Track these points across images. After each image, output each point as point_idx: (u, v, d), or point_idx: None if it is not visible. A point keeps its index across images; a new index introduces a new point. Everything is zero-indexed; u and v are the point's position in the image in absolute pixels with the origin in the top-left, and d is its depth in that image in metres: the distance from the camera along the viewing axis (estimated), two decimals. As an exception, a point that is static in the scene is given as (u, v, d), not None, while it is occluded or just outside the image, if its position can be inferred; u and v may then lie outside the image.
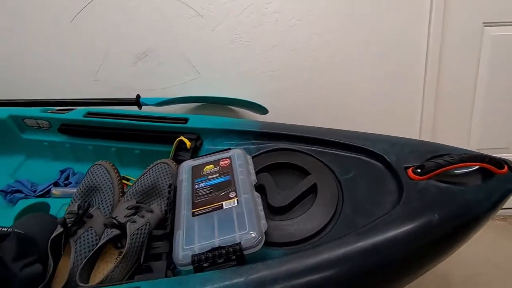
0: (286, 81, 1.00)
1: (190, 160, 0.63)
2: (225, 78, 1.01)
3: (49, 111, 0.79)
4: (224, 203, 0.52)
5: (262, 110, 0.92)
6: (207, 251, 0.44)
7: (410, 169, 0.55)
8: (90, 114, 0.76)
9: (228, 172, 0.57)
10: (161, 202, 0.59)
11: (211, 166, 0.60)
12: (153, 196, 0.59)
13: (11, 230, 0.50)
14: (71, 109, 0.81)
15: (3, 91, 0.95)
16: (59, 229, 0.53)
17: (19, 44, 0.96)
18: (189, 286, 0.41)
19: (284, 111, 1.00)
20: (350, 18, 0.95)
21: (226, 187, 0.54)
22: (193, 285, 0.41)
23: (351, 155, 0.63)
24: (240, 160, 0.60)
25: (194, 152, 0.70)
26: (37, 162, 0.81)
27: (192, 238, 0.47)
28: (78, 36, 0.98)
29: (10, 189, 0.68)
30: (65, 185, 0.71)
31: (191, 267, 0.44)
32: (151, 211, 0.56)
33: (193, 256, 0.44)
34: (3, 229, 0.50)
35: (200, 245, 0.46)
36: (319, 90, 1.01)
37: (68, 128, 0.76)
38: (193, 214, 0.51)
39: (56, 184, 0.71)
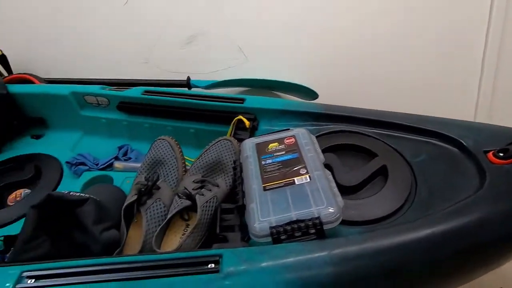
0: (337, 66, 0.98)
1: (252, 138, 0.63)
2: (273, 63, 1.00)
3: (107, 89, 0.81)
4: (295, 179, 0.51)
5: (312, 94, 0.90)
6: (285, 224, 0.44)
7: (491, 153, 0.52)
8: (148, 92, 0.77)
9: (295, 150, 0.57)
10: (225, 177, 0.59)
11: (276, 144, 0.60)
12: (217, 171, 0.59)
13: (88, 196, 0.51)
14: (125, 88, 0.82)
15: (65, 70, 0.99)
16: (131, 198, 0.55)
17: (78, 25, 0.99)
18: (271, 255, 0.40)
19: (333, 97, 0.98)
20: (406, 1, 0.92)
21: (295, 164, 0.54)
22: (275, 255, 0.40)
23: (421, 139, 0.60)
24: (305, 139, 0.59)
25: (252, 132, 0.70)
26: (93, 138, 0.84)
27: (267, 211, 0.47)
28: (131, 19, 1.00)
29: (75, 161, 0.70)
30: (126, 160, 0.72)
31: (269, 238, 0.44)
32: (217, 186, 0.57)
33: (271, 228, 0.44)
34: (81, 195, 0.52)
35: (276, 217, 0.45)
36: (372, 76, 0.98)
37: (126, 106, 0.78)
38: (264, 189, 0.50)
39: (117, 158, 0.72)
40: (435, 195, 0.51)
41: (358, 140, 0.62)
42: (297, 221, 0.44)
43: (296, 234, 0.44)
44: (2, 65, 0.92)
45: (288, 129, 0.65)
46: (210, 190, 0.55)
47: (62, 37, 1.00)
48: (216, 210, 0.54)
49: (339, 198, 0.48)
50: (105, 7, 0.98)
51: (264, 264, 0.40)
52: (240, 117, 0.70)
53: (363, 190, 0.55)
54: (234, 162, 0.60)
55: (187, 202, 0.53)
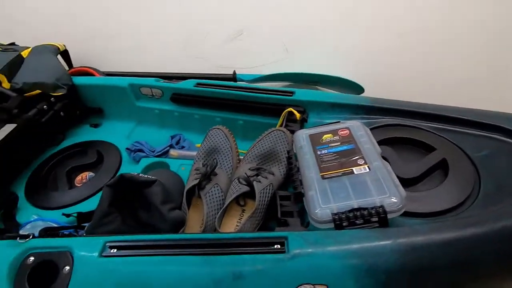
0: (383, 60, 0.96)
1: (304, 130, 0.64)
2: (316, 58, 1.00)
3: (161, 82, 0.85)
4: (354, 169, 0.51)
5: (358, 88, 0.90)
6: (348, 211, 0.45)
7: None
8: (199, 84, 0.81)
9: (351, 141, 0.57)
10: (279, 166, 0.61)
11: (330, 135, 0.60)
12: (271, 160, 0.61)
13: (155, 178, 0.55)
14: (178, 81, 0.86)
15: (123, 64, 1.06)
16: (192, 183, 0.58)
17: (134, 21, 1.06)
18: (336, 240, 0.41)
19: (378, 92, 0.96)
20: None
21: (352, 155, 0.54)
22: (340, 240, 0.41)
23: (482, 133, 0.58)
24: (360, 130, 0.59)
25: (301, 124, 0.71)
26: (146, 128, 0.89)
27: (327, 199, 0.48)
28: (182, 16, 1.05)
29: (134, 148, 0.75)
30: (180, 148, 0.76)
31: (330, 225, 0.45)
32: (273, 174, 0.58)
33: (333, 214, 0.45)
34: (148, 177, 0.56)
35: (337, 205, 0.46)
36: (420, 69, 0.95)
37: (179, 97, 0.82)
38: (323, 177, 0.51)
39: (171, 146, 0.76)
40: (503, 190, 0.49)
41: (414, 133, 0.61)
42: (360, 209, 0.45)
43: (358, 222, 0.44)
44: (64, 59, 0.99)
45: (339, 121, 0.65)
46: (266, 178, 0.57)
47: (119, 32, 1.07)
48: (272, 197, 0.56)
49: (401, 188, 0.47)
50: (159, 4, 1.03)
51: (330, 248, 0.41)
52: (291, 109, 0.71)
53: (422, 183, 0.54)
54: (288, 152, 0.61)
55: (246, 188, 0.55)
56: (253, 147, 0.64)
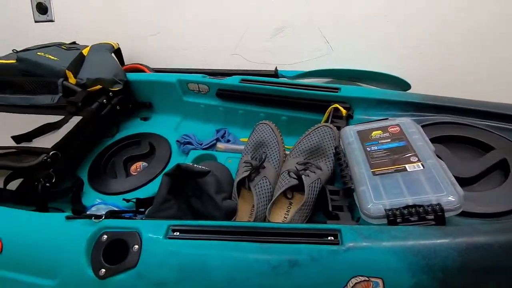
0: (430, 55, 0.93)
1: (352, 126, 0.64)
2: (359, 54, 0.99)
3: (208, 77, 0.89)
4: (406, 166, 0.51)
5: (404, 85, 0.87)
6: (402, 208, 0.45)
7: None
8: (244, 80, 0.83)
9: (402, 138, 0.57)
10: (326, 161, 0.62)
11: (379, 131, 0.60)
12: (318, 155, 0.62)
13: (209, 169, 0.59)
14: (224, 77, 0.89)
15: (171, 60, 1.12)
16: (242, 174, 0.61)
17: (180, 20, 1.11)
18: (391, 235, 0.42)
19: (426, 89, 0.93)
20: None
21: (404, 152, 0.54)
22: (396, 236, 0.42)
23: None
24: (411, 128, 0.58)
25: (347, 120, 0.71)
26: (192, 122, 0.93)
27: (379, 195, 0.48)
28: (223, 16, 1.08)
29: (183, 141, 0.79)
30: (226, 142, 0.79)
31: (383, 220, 0.45)
32: (320, 169, 0.59)
33: (386, 210, 0.45)
34: (202, 167, 0.59)
35: (390, 201, 0.46)
36: (470, 65, 0.91)
37: (224, 93, 0.85)
38: (374, 174, 0.52)
39: (218, 140, 0.80)
40: None
41: (469, 132, 0.59)
42: (414, 206, 0.45)
43: (412, 219, 0.44)
44: (117, 57, 1.07)
45: (387, 118, 0.65)
46: (314, 172, 0.58)
47: (167, 31, 1.13)
48: (320, 191, 0.57)
49: (458, 187, 0.46)
50: (203, 3, 1.07)
51: (385, 243, 0.41)
52: (337, 105, 0.71)
53: (479, 183, 0.52)
54: (336, 148, 0.62)
55: (295, 181, 0.57)
56: (299, 142, 0.65)
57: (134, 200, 0.66)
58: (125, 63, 1.09)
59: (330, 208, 0.50)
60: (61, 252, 0.49)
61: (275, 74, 0.96)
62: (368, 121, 0.67)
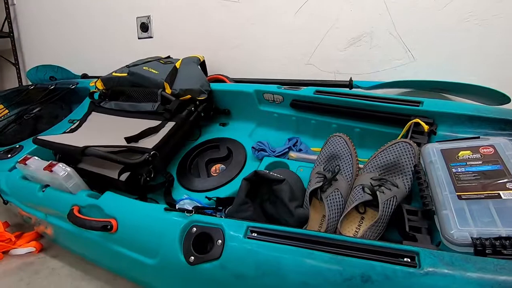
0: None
1: (435, 143, 0.61)
2: (446, 64, 0.92)
3: (282, 88, 0.94)
4: (501, 192, 0.47)
5: (502, 99, 0.78)
6: (493, 238, 0.42)
7: None
8: (318, 92, 0.86)
9: (497, 161, 0.52)
10: (403, 179, 0.60)
11: (468, 152, 0.56)
12: (395, 172, 0.61)
13: (284, 177, 0.63)
14: (298, 88, 0.93)
15: (248, 71, 1.22)
16: (315, 185, 0.63)
17: (257, 33, 1.19)
18: (479, 267, 0.39)
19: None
20: None
21: (498, 177, 0.49)
22: (484, 268, 0.39)
23: None
24: (509, 150, 0.53)
25: (429, 137, 0.68)
26: (265, 129, 1.00)
27: (466, 221, 0.45)
28: (300, 27, 1.12)
29: (258, 147, 0.86)
30: (298, 151, 0.83)
31: (469, 249, 0.43)
32: (397, 186, 0.58)
33: (474, 239, 0.43)
34: (277, 175, 0.64)
35: (478, 229, 0.43)
36: None
37: (298, 103, 0.89)
38: (460, 197, 0.49)
39: (290, 149, 0.84)
40: None
41: None
42: (509, 238, 0.41)
43: (506, 252, 0.41)
44: (202, 68, 1.20)
45: (478, 137, 0.59)
46: (390, 190, 0.57)
47: (245, 44, 1.22)
48: (396, 209, 0.56)
49: None
50: (279, 17, 1.13)
51: (471, 274, 0.39)
52: (418, 120, 0.68)
53: None
54: (415, 166, 0.60)
55: (369, 197, 0.57)
56: (375, 157, 0.64)
57: (215, 198, 0.75)
58: (208, 74, 1.22)
59: (407, 229, 0.49)
60: (160, 237, 0.59)
61: (350, 84, 0.95)
62: (454, 138, 0.63)
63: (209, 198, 0.75)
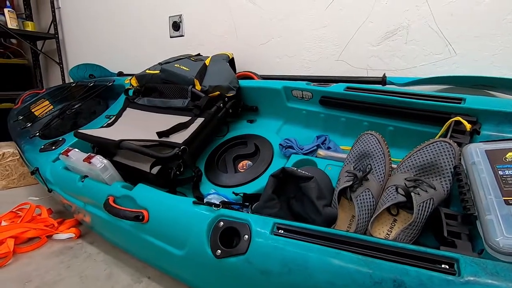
0: None
1: (479, 144, 0.56)
2: (491, 58, 0.84)
3: (311, 85, 0.92)
4: (557, 199, 0.42)
5: (558, 96, 0.70)
6: (547, 249, 0.38)
7: None
8: (350, 88, 0.83)
9: (552, 164, 0.47)
10: (442, 181, 0.56)
11: (517, 153, 0.51)
12: (432, 173, 0.57)
13: (312, 175, 0.62)
14: (327, 84, 0.91)
15: (276, 68, 1.21)
16: (344, 184, 0.61)
17: (285, 30, 1.18)
18: (528, 279, 0.36)
19: None
20: None
21: (553, 181, 0.45)
22: (534, 280, 0.36)
23: None
24: None
25: (471, 136, 0.63)
26: (292, 126, 0.98)
27: (513, 228, 0.42)
28: (330, 22, 1.09)
29: (285, 144, 0.85)
30: (327, 149, 0.81)
31: (517, 259, 0.39)
32: (434, 188, 0.55)
33: (522, 247, 0.39)
34: (305, 173, 0.63)
35: (529, 238, 0.40)
36: None
37: (328, 100, 0.87)
38: (507, 202, 0.45)
39: (318, 146, 0.82)
40: None
41: None
42: None
43: (562, 265, 0.37)
44: (230, 65, 1.21)
45: (529, 137, 0.54)
46: (426, 191, 0.54)
47: (274, 40, 1.22)
48: (433, 212, 0.53)
49: None
50: (308, 12, 1.11)
51: (518, 285, 0.36)
52: (459, 118, 0.63)
53: None
54: (455, 167, 0.56)
55: (402, 198, 0.54)
56: (410, 156, 0.61)
57: (242, 194, 0.75)
58: (237, 71, 1.23)
59: (445, 234, 0.46)
60: (188, 229, 0.60)
61: (383, 81, 0.91)
62: (501, 139, 0.58)
63: (236, 194, 0.76)
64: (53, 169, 0.97)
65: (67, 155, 0.87)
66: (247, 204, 0.74)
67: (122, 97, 1.25)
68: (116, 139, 0.81)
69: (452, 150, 0.58)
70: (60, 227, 1.01)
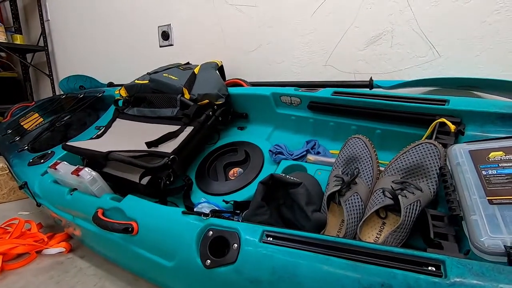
0: None
1: (462, 144, 0.57)
2: (475, 59, 0.86)
3: (299, 90, 0.93)
4: (539, 197, 0.43)
5: (540, 95, 0.72)
6: (530, 247, 0.38)
7: None
8: (337, 93, 0.84)
9: (533, 163, 0.48)
10: (428, 182, 0.56)
11: (501, 153, 0.52)
12: (418, 175, 0.58)
13: (301, 181, 0.62)
14: (315, 90, 0.92)
15: (265, 74, 1.22)
16: (333, 188, 0.61)
17: (273, 37, 1.19)
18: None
19: None
20: None
21: (535, 180, 0.45)
22: (518, 279, 0.36)
23: None
24: (548, 150, 0.48)
25: (456, 137, 0.64)
26: (283, 132, 0.99)
27: (498, 227, 0.42)
28: (317, 27, 1.10)
29: (275, 150, 0.85)
30: (316, 154, 0.81)
31: (502, 258, 0.39)
32: (421, 190, 0.55)
33: (506, 247, 0.39)
34: (294, 179, 0.63)
35: (512, 237, 0.40)
36: None
37: (316, 105, 0.87)
38: (491, 202, 0.45)
39: (308, 151, 0.83)
40: None
41: None
42: (549, 248, 0.38)
43: (545, 263, 0.37)
44: (220, 73, 1.22)
45: (511, 137, 0.55)
46: (413, 193, 0.54)
47: (261, 47, 1.23)
48: (420, 214, 0.53)
49: None
50: (295, 18, 1.12)
51: (504, 286, 0.36)
52: (443, 119, 0.64)
53: None
54: (440, 168, 0.56)
55: (390, 201, 0.54)
56: (396, 159, 0.61)
57: (232, 202, 0.75)
58: (227, 78, 1.23)
59: (432, 235, 0.46)
60: (178, 240, 0.59)
61: (370, 84, 0.92)
62: (485, 139, 0.58)
63: (227, 202, 0.75)
64: (42, 182, 0.96)
65: (55, 168, 0.86)
66: (238, 211, 0.73)
67: (112, 108, 1.25)
68: (104, 151, 0.80)
69: (437, 151, 0.58)
70: (50, 241, 0.99)
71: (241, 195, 0.81)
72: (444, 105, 0.67)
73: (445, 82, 0.84)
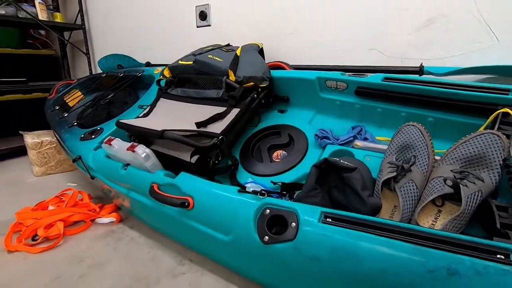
0: None
1: (529, 136, 0.56)
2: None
3: (346, 75, 0.92)
4: None
5: None
6: None
7: None
8: (387, 79, 0.82)
9: None
10: (490, 173, 0.56)
11: None
12: (479, 165, 0.57)
13: (356, 166, 0.63)
14: (363, 75, 0.90)
15: (305, 58, 1.21)
16: (388, 175, 0.62)
17: (317, 19, 1.16)
18: None
19: None
20: None
21: None
22: None
23: None
24: None
25: (520, 128, 0.62)
26: (325, 117, 0.99)
27: None
28: (363, 10, 1.06)
29: (321, 135, 0.86)
30: (364, 140, 0.82)
31: None
32: (482, 180, 0.55)
33: None
34: (349, 164, 0.64)
35: None
36: None
37: (364, 91, 0.86)
38: None
39: (355, 137, 0.83)
40: None
41: None
42: None
43: None
44: (260, 55, 1.21)
45: None
46: (474, 183, 0.54)
47: (303, 29, 1.21)
48: (481, 204, 0.53)
49: None
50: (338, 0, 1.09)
51: None
52: (507, 110, 0.62)
53: None
54: (504, 159, 0.55)
55: (449, 189, 0.55)
56: (455, 148, 0.61)
57: (280, 183, 0.78)
58: (266, 61, 1.23)
59: (498, 225, 0.47)
60: (234, 216, 0.63)
61: (420, 70, 0.90)
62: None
63: (275, 183, 0.78)
64: (95, 157, 1.02)
65: (110, 144, 0.92)
66: (285, 193, 0.76)
67: (153, 88, 1.28)
68: (158, 129, 0.84)
69: (501, 142, 0.57)
70: (102, 211, 1.07)
71: (287, 177, 0.83)
72: (507, 94, 0.65)
73: (505, 70, 0.80)
